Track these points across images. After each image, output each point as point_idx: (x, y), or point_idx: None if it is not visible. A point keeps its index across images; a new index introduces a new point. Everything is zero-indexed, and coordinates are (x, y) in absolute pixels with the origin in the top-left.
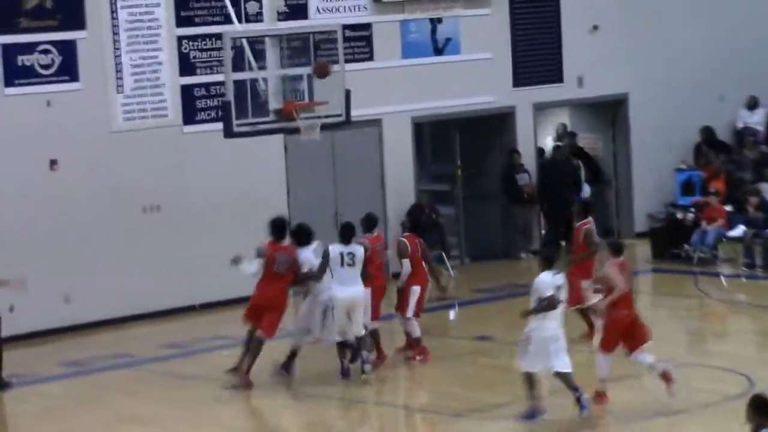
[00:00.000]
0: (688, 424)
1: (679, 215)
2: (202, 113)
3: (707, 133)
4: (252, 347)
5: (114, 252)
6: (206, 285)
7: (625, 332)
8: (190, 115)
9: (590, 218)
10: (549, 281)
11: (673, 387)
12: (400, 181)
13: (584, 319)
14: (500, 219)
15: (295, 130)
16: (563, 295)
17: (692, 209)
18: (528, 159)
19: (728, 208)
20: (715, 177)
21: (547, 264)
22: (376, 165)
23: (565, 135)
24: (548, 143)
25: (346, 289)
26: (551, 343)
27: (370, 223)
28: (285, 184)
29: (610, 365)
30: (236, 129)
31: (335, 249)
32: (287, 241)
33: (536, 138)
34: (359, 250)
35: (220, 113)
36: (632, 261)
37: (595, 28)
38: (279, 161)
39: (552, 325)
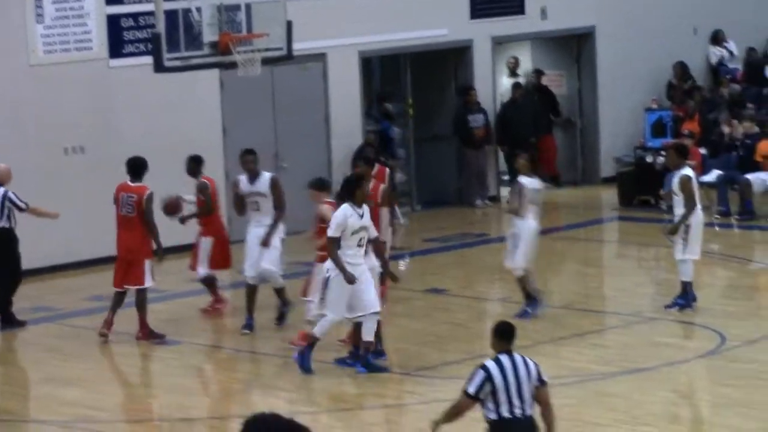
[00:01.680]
0: (650, 382)
1: (649, 159)
2: (130, 46)
3: (681, 69)
4: (137, 303)
5: (33, 197)
6: None
7: None
8: (117, 48)
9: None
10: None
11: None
12: (347, 121)
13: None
14: (455, 163)
15: (232, 65)
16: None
17: (663, 152)
18: (486, 97)
19: (702, 151)
20: (688, 117)
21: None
22: (320, 103)
23: (516, 69)
24: (505, 81)
25: None
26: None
27: (198, 164)
28: (221, 124)
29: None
30: (167, 63)
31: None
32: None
33: (495, 75)
34: None
35: (149, 46)
36: (598, 208)
37: None
38: (214, 99)
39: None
